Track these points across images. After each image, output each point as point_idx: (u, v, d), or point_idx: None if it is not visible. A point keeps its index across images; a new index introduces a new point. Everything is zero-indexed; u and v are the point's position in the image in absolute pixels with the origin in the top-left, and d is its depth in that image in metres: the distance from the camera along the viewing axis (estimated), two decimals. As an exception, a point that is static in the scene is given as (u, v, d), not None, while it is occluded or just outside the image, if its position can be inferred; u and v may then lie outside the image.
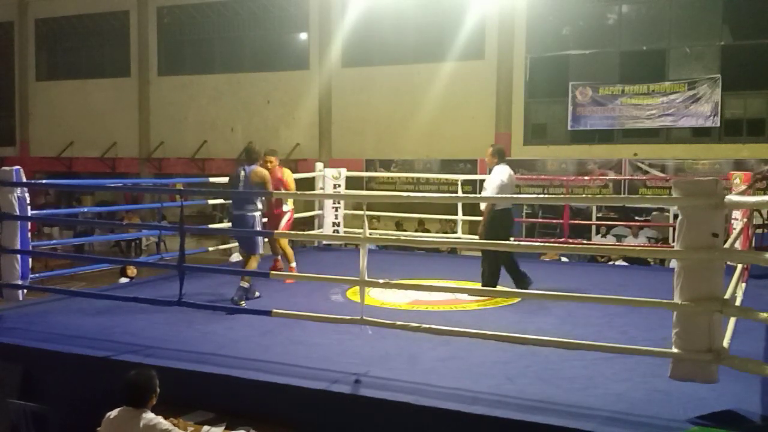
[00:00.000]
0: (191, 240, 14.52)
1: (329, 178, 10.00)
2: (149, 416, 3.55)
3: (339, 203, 9.89)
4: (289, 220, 7.31)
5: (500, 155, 6.84)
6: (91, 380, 4.59)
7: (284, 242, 7.34)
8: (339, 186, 10.03)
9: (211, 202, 10.83)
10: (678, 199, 3.59)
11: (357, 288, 4.99)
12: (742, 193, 5.90)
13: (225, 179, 9.86)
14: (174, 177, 17.23)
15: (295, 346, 4.83)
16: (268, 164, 6.92)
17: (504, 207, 6.65)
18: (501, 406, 3.67)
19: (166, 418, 3.65)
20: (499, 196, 6.53)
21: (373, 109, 16.64)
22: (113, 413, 3.63)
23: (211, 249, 10.14)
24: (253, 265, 6.29)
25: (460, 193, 11.50)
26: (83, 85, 20.48)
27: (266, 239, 6.96)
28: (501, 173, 6.65)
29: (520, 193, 13.83)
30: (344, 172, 10.18)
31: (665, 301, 3.80)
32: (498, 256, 6.63)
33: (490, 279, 6.56)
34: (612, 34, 14.99)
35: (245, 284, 6.18)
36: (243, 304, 6.06)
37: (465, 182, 13.01)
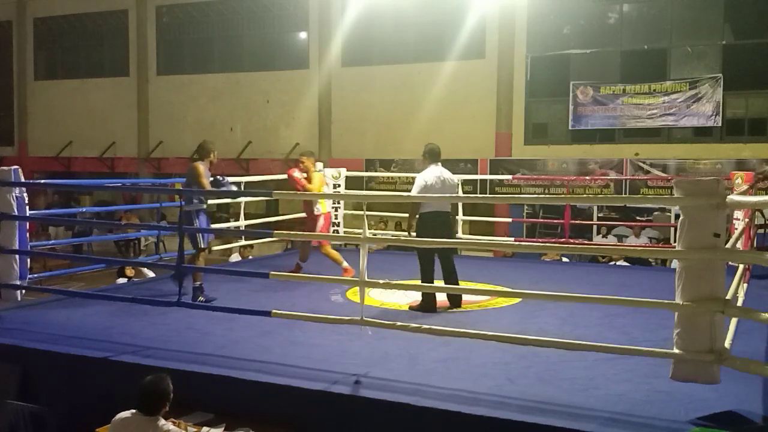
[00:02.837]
0: (191, 240, 14.46)
1: (329, 178, 9.98)
2: (161, 423, 3.55)
3: (339, 203, 9.86)
4: (323, 226, 7.48)
5: (431, 156, 6.27)
6: (90, 381, 4.58)
7: (327, 248, 7.50)
8: (339, 186, 10.01)
9: (213, 201, 10.81)
10: (679, 199, 3.57)
11: (357, 288, 4.97)
12: (743, 193, 5.88)
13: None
14: (173, 177, 17.18)
15: (294, 347, 4.81)
16: (300, 165, 7.28)
17: (432, 210, 6.07)
18: (502, 407, 3.65)
19: (165, 419, 3.63)
20: (429, 195, 6.12)
21: (373, 109, 16.62)
22: (123, 415, 3.61)
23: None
24: (201, 261, 6.42)
25: (460, 193, 11.46)
26: (82, 85, 20.47)
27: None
28: (426, 175, 6.17)
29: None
30: (344, 172, 10.17)
31: (666, 301, 3.78)
32: (427, 257, 6.12)
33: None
34: (613, 33, 14.96)
35: (197, 282, 6.17)
36: (203, 299, 6.11)
37: (465, 182, 12.99)
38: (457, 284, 6.21)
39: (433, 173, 6.19)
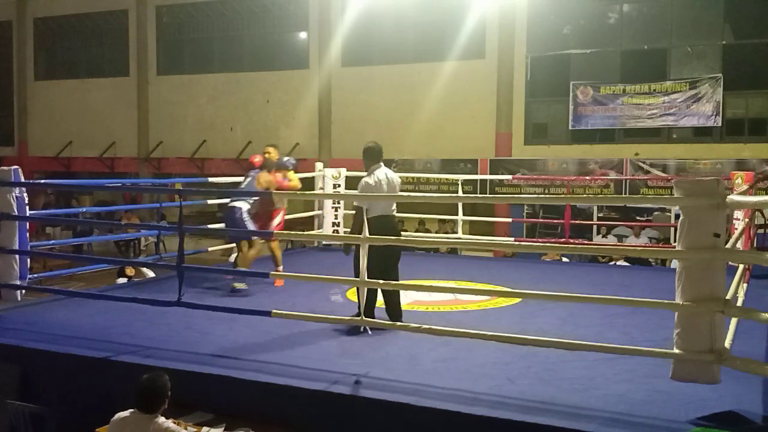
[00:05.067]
0: (190, 240, 14.50)
1: (329, 178, 9.99)
2: (160, 421, 3.54)
3: (339, 203, 9.87)
4: (280, 222, 7.40)
5: (372, 156, 5.73)
6: (90, 381, 4.58)
7: (274, 244, 7.29)
8: (339, 186, 10.01)
9: (213, 201, 10.80)
10: (679, 199, 3.57)
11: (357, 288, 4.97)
12: (743, 193, 5.88)
13: (224, 179, 9.91)
14: (173, 177, 17.20)
15: (294, 347, 4.81)
16: (266, 155, 7.31)
17: (377, 214, 5.45)
18: (502, 407, 3.65)
19: (165, 418, 3.63)
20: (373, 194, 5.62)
21: (373, 109, 16.61)
22: (122, 414, 3.60)
23: (210, 249, 10.10)
24: (253, 252, 6.96)
25: (460, 193, 11.48)
26: (82, 85, 20.47)
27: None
28: (368, 176, 5.67)
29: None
30: (344, 172, 10.17)
31: (666, 301, 3.78)
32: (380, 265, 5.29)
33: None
34: (613, 33, 14.97)
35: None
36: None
37: (465, 182, 12.99)
38: (398, 300, 5.53)
39: (376, 174, 5.67)
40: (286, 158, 7.77)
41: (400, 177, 6.01)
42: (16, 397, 4.63)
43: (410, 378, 4.09)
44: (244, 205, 6.92)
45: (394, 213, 5.72)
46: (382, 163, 5.74)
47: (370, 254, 4.50)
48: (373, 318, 5.05)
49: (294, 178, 7.55)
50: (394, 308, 5.37)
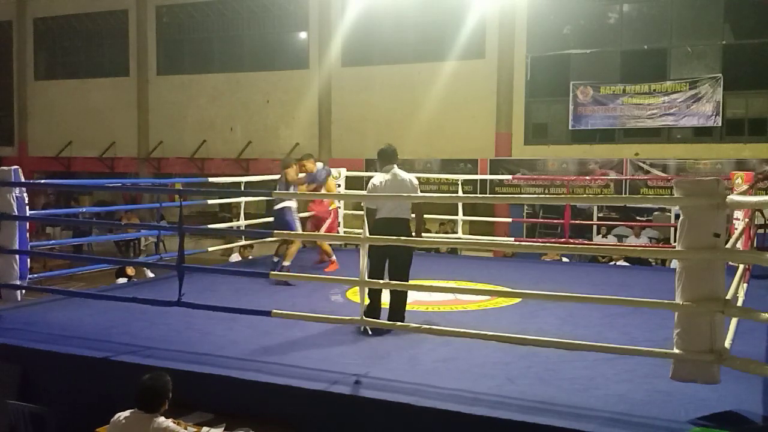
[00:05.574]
0: (190, 240, 14.50)
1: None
2: (160, 420, 3.55)
3: (339, 203, 9.85)
4: (332, 221, 8.55)
5: (383, 158, 5.64)
6: (90, 381, 4.58)
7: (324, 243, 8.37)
8: (339, 186, 10.00)
9: (213, 201, 10.81)
10: (679, 199, 3.57)
11: (357, 288, 4.97)
12: (743, 193, 5.88)
13: (224, 179, 9.92)
14: (173, 177, 17.20)
15: (294, 347, 4.81)
16: (304, 168, 7.90)
17: (383, 216, 5.36)
18: (502, 407, 3.65)
19: (165, 419, 3.63)
20: (371, 194, 5.58)
21: (373, 109, 16.62)
22: (123, 415, 3.61)
23: (210, 249, 10.11)
24: (295, 246, 7.53)
25: (460, 193, 11.48)
26: (82, 85, 20.47)
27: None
28: (375, 177, 5.60)
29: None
30: (344, 172, 10.17)
31: (666, 301, 3.78)
32: (376, 265, 5.29)
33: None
34: (613, 33, 14.97)
35: (286, 263, 7.34)
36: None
37: (465, 182, 12.99)
38: (401, 303, 5.35)
39: (384, 175, 5.57)
40: (321, 167, 8.11)
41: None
42: (16, 397, 4.64)
43: (410, 378, 4.09)
44: (293, 204, 7.56)
45: (405, 216, 5.46)
46: (395, 165, 5.63)
47: (377, 255, 4.50)
48: (378, 318, 5.06)
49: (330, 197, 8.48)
50: (398, 313, 5.30)
